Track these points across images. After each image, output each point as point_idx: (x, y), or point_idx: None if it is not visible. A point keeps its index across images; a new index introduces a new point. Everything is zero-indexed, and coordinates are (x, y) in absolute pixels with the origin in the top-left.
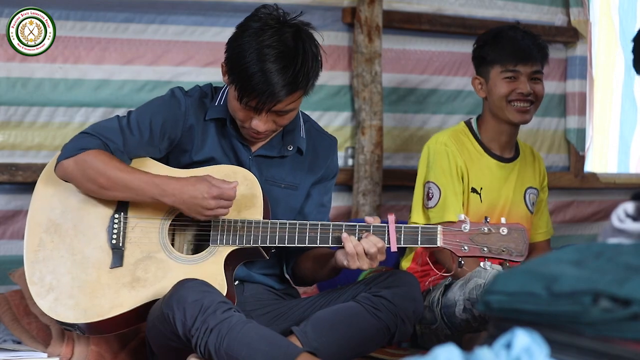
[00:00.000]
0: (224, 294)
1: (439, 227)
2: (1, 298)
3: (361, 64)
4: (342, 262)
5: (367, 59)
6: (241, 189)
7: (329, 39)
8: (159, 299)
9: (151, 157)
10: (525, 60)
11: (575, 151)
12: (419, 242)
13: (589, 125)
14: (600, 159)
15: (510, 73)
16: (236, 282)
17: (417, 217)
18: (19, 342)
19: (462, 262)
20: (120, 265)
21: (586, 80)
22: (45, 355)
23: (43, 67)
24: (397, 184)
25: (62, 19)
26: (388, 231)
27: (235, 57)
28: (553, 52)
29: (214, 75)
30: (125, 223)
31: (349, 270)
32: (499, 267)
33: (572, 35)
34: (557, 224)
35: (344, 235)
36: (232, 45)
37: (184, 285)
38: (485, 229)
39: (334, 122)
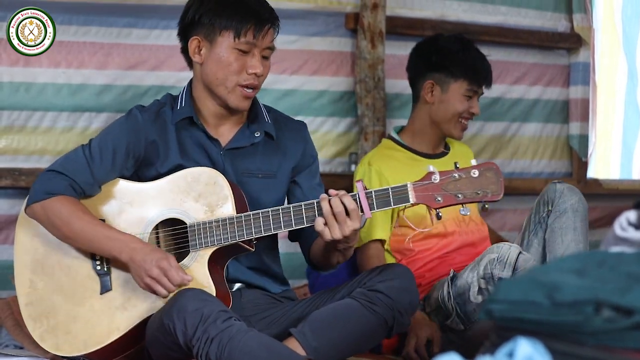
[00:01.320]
0: (214, 295)
1: (409, 184)
2: (3, 303)
3: (364, 70)
4: (320, 233)
5: (370, 65)
6: (209, 189)
7: (332, 44)
8: (152, 314)
9: (121, 177)
10: (487, 82)
11: (578, 157)
12: (392, 203)
13: (591, 131)
14: (603, 165)
15: (471, 92)
16: (235, 287)
17: None
18: (21, 348)
19: (440, 214)
20: (110, 289)
21: (589, 87)
22: None
23: (46, 71)
24: None
25: (65, 24)
26: (359, 199)
27: (219, 2)
28: (556, 59)
29: None
30: None
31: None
32: (510, 244)
33: (575, 41)
34: None
35: (322, 195)
36: (208, 0)
37: (183, 294)
38: (456, 175)
39: (337, 128)
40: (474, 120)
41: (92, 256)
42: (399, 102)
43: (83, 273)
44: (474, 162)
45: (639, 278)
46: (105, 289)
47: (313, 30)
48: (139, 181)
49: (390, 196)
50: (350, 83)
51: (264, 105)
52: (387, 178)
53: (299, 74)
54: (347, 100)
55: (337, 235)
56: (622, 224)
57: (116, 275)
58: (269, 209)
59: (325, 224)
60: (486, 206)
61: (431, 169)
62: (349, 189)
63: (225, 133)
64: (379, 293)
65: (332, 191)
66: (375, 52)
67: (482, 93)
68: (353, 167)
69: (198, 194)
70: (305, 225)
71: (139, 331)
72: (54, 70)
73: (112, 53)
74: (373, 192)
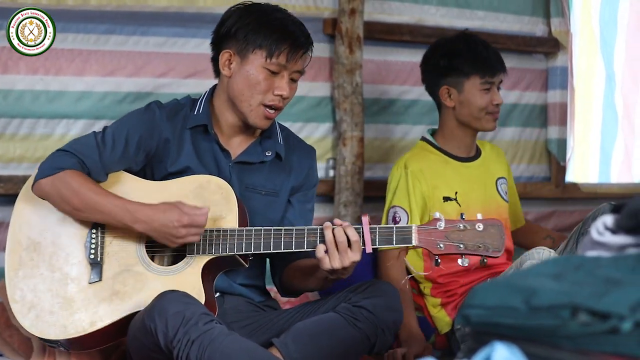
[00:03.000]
0: (202, 303)
1: (414, 226)
2: None
3: (342, 75)
4: (319, 260)
5: (348, 70)
6: (215, 198)
7: None
8: (138, 311)
9: (127, 171)
10: (499, 69)
11: (557, 161)
12: (394, 242)
13: (570, 135)
14: (582, 169)
15: (488, 85)
16: (217, 294)
17: None
18: (0, 355)
19: (439, 260)
20: (99, 279)
21: (567, 91)
22: None
23: (24, 79)
24: (378, 195)
25: None
26: (362, 232)
27: (258, 19)
28: (534, 63)
29: (195, 86)
30: (102, 237)
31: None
32: (550, 249)
33: (553, 45)
34: None
35: (326, 223)
36: (247, 16)
37: (165, 296)
38: (461, 225)
39: (315, 134)
40: None
41: (88, 244)
42: (377, 107)
43: (75, 259)
44: (480, 216)
45: (614, 282)
46: (94, 279)
47: None
48: (145, 178)
49: (394, 235)
50: (328, 88)
51: (279, 124)
52: (426, 178)
53: None
54: (325, 106)
55: (337, 264)
56: (599, 229)
57: (108, 266)
58: (272, 228)
59: (326, 251)
60: (485, 261)
61: (437, 215)
62: (327, 194)
63: (237, 145)
64: (363, 309)
65: (337, 221)
66: (353, 57)
67: (502, 81)
68: (331, 172)
69: (203, 202)
70: (305, 249)
71: (120, 326)
72: (31, 77)
73: (90, 60)
74: (377, 229)
